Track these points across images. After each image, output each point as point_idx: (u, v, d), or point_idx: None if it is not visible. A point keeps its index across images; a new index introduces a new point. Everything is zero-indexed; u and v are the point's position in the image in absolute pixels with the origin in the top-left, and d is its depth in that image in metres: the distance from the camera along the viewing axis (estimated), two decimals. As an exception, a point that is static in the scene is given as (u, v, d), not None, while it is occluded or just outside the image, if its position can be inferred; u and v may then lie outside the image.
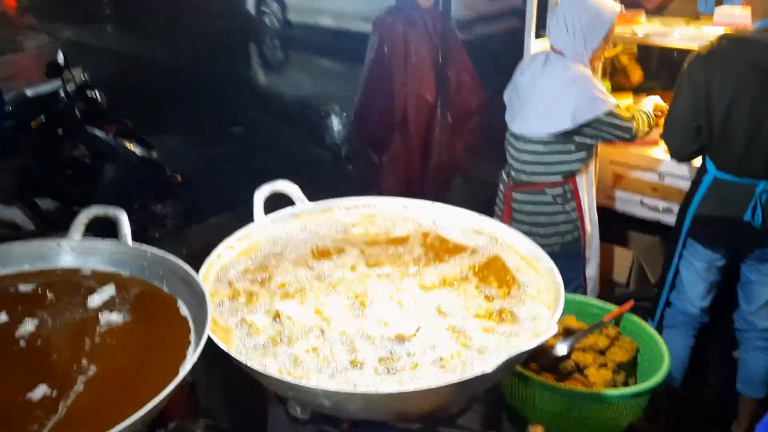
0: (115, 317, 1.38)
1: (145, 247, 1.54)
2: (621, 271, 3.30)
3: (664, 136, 2.70)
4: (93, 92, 4.57)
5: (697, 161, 2.68)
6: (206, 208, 5.38)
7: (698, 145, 2.55)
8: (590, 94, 2.63)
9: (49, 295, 1.45)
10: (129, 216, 1.59)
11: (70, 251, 1.56)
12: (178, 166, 5.81)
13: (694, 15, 3.40)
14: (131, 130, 4.61)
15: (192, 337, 1.34)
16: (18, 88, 5.06)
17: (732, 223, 2.49)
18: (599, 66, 2.89)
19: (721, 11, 3.06)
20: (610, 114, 2.66)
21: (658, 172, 3.03)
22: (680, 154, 2.67)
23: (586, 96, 2.63)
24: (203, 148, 7.11)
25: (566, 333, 2.16)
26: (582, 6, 2.59)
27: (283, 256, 1.67)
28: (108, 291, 1.46)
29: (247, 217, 1.78)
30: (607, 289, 3.29)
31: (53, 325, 1.37)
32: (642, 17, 3.40)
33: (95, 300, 1.43)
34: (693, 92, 2.50)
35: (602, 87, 2.71)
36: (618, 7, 2.61)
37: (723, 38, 2.49)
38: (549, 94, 2.65)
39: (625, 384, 2.05)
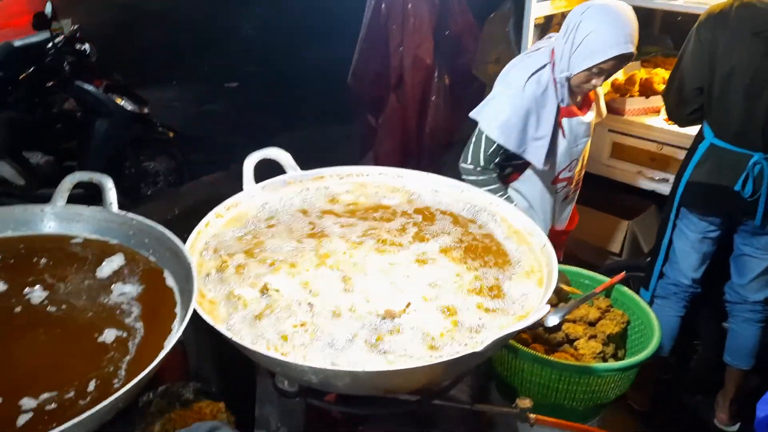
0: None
1: (131, 215, 1.51)
2: (615, 241, 3.29)
3: (665, 96, 2.65)
4: (83, 45, 4.45)
5: (695, 130, 2.64)
6: (199, 165, 5.33)
7: (696, 107, 2.51)
8: (493, 102, 2.37)
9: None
10: (120, 173, 1.56)
11: (54, 217, 1.53)
12: (170, 122, 5.73)
13: (700, -21, 3.30)
14: (122, 85, 4.51)
15: (178, 309, 1.33)
16: (5, 37, 4.93)
17: (724, 191, 2.47)
18: (577, 98, 2.42)
19: (728, -24, 2.97)
20: (480, 136, 2.37)
21: (657, 141, 2.99)
22: (677, 116, 2.63)
23: (490, 100, 2.39)
24: (197, 104, 7.01)
25: (559, 297, 2.16)
26: (592, 23, 2.19)
27: (273, 226, 1.64)
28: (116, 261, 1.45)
29: (241, 176, 1.74)
30: (601, 259, 3.29)
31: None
32: (647, -20, 3.30)
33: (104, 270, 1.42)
34: (698, 52, 2.44)
35: (525, 116, 2.32)
36: (627, 50, 2.17)
37: (735, 2, 2.40)
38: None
39: (615, 356, 2.06)
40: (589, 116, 2.45)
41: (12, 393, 1.11)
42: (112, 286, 1.36)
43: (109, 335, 1.25)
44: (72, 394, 1.12)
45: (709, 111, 2.49)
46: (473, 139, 2.40)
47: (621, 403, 2.71)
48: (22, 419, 1.06)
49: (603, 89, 2.71)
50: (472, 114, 2.40)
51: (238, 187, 1.73)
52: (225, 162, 5.26)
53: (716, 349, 2.85)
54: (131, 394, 1.09)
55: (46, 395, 1.11)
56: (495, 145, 2.34)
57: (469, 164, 2.39)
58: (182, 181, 4.72)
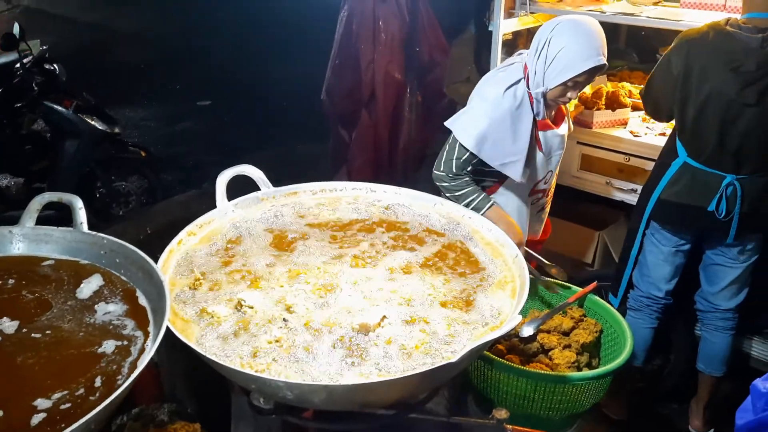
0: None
1: (102, 235, 1.49)
2: (587, 252, 3.33)
3: (645, 105, 2.72)
4: (52, 65, 4.41)
5: (664, 141, 2.69)
6: (172, 184, 5.29)
7: (670, 117, 2.58)
8: (470, 113, 2.38)
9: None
10: (91, 193, 1.54)
11: (23, 239, 1.51)
12: (143, 142, 5.68)
13: (662, -5, 3.40)
14: (93, 105, 4.47)
15: (151, 328, 1.31)
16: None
17: (698, 210, 2.50)
18: (552, 112, 2.44)
19: (688, -8, 3.06)
20: (454, 144, 2.38)
21: (625, 153, 3.04)
22: (658, 120, 2.72)
23: (466, 111, 2.41)
24: (169, 123, 6.96)
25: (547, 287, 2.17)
26: (562, 39, 2.22)
27: (246, 243, 1.64)
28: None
29: (213, 194, 1.73)
30: (574, 269, 3.32)
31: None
32: (611, -4, 3.39)
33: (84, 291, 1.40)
34: (671, 78, 2.47)
35: (497, 127, 2.34)
36: (599, 62, 2.20)
37: (711, 29, 2.40)
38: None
39: (589, 364, 2.08)
40: (563, 129, 2.49)
41: (25, 396, 1.13)
42: (95, 307, 1.35)
43: (108, 346, 1.24)
44: (82, 391, 1.13)
45: (683, 132, 2.51)
46: (446, 147, 2.43)
47: (597, 412, 2.73)
48: (37, 418, 1.08)
49: (570, 104, 2.75)
50: (448, 123, 2.43)
51: (210, 206, 1.72)
52: (197, 181, 5.25)
53: (689, 356, 2.89)
54: (104, 414, 1.07)
55: (57, 395, 1.12)
56: (468, 153, 2.36)
57: (442, 171, 2.41)
58: (155, 200, 4.67)
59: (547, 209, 2.68)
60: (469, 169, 2.40)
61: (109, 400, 1.06)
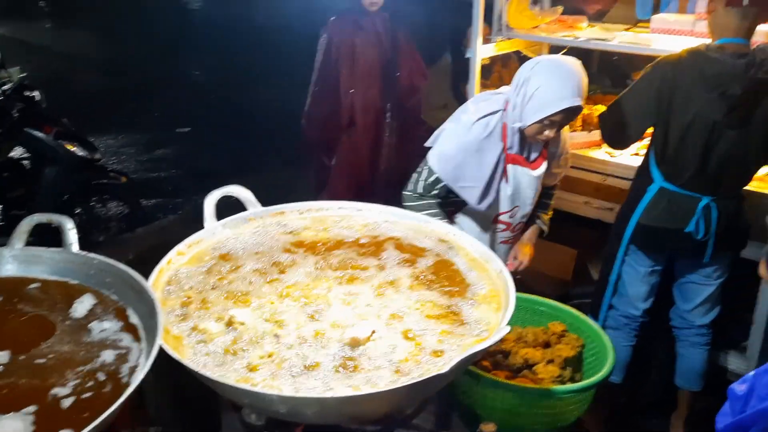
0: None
1: (92, 255, 1.50)
2: (565, 269, 3.40)
3: (604, 127, 2.72)
4: (31, 92, 4.41)
5: (639, 160, 2.75)
6: (151, 210, 5.28)
7: (634, 141, 2.63)
8: (447, 138, 2.44)
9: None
10: (71, 219, 1.55)
11: (13, 260, 1.51)
12: (122, 168, 5.67)
13: (632, 21, 3.53)
14: (72, 132, 4.47)
15: (143, 345, 1.32)
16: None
17: (675, 233, 2.56)
18: (531, 152, 2.46)
19: (657, 18, 3.18)
20: (425, 165, 2.47)
21: (601, 173, 3.13)
22: (617, 146, 2.76)
23: (440, 132, 2.48)
24: (149, 149, 6.96)
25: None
26: (541, 78, 2.27)
27: (235, 262, 1.66)
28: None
29: (194, 220, 1.75)
30: (552, 287, 3.38)
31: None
32: (584, 23, 3.51)
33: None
34: (648, 102, 2.50)
35: (472, 153, 2.41)
36: (574, 103, 2.25)
37: (691, 54, 2.44)
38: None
39: (572, 379, 2.12)
40: (539, 171, 2.50)
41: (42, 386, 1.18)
42: (89, 326, 1.36)
43: (108, 355, 1.27)
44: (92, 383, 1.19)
45: (663, 156, 2.54)
46: (418, 168, 2.52)
47: (578, 428, 2.76)
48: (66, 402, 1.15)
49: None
50: (428, 143, 2.51)
51: (190, 231, 1.73)
52: (177, 206, 5.24)
53: (668, 372, 2.95)
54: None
55: (74, 381, 1.19)
56: (435, 176, 2.43)
57: (409, 191, 2.50)
58: (135, 226, 4.66)
59: (513, 244, 2.71)
60: (436, 191, 2.46)
61: (105, 415, 1.07)
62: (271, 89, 7.66)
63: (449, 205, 2.58)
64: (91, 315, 1.40)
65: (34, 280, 1.50)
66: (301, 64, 4.34)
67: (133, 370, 1.23)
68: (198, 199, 1.77)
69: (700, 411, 2.89)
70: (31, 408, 1.13)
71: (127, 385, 1.18)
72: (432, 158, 2.46)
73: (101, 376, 1.21)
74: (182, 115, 7.76)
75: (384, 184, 4.25)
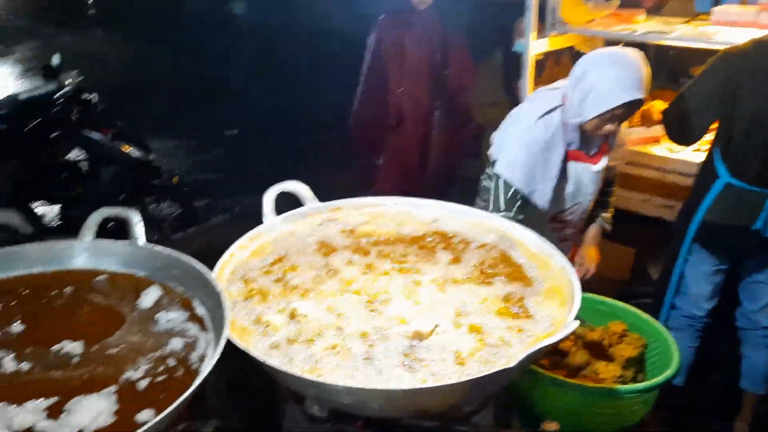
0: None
1: (159, 247, 1.53)
2: (623, 269, 3.31)
3: (669, 123, 2.64)
4: (89, 95, 4.54)
5: (700, 156, 2.68)
6: (202, 210, 5.37)
7: (701, 137, 2.54)
8: (511, 143, 2.37)
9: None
10: (138, 213, 1.58)
11: (84, 252, 1.55)
12: (174, 169, 5.79)
13: (691, 14, 3.43)
14: (128, 133, 4.58)
15: (210, 336, 1.34)
16: (9, 91, 5.03)
17: (741, 230, 2.47)
18: (591, 147, 2.39)
19: (718, 10, 3.08)
20: (498, 180, 2.38)
21: (662, 169, 3.04)
22: (683, 143, 2.67)
23: (507, 142, 2.39)
24: (198, 152, 7.09)
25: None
26: (601, 71, 2.20)
27: (296, 256, 1.67)
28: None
29: (244, 219, 1.77)
30: (610, 287, 3.30)
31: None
32: (641, 16, 3.42)
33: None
34: (717, 93, 2.42)
35: (538, 159, 2.33)
36: (637, 96, 2.17)
37: (757, 46, 2.36)
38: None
39: (634, 379, 2.06)
40: (600, 165, 2.43)
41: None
42: (155, 316, 1.38)
43: (176, 343, 1.30)
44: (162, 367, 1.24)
45: (727, 152, 2.47)
46: (492, 186, 2.40)
47: (639, 430, 2.69)
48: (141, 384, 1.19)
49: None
50: (492, 153, 2.44)
51: (241, 231, 1.74)
52: (227, 207, 5.32)
53: (732, 374, 2.85)
54: (172, 416, 1.10)
55: (146, 366, 1.23)
56: (512, 188, 2.35)
57: (491, 212, 2.32)
58: (187, 226, 4.75)
59: (570, 242, 2.64)
60: (518, 201, 2.37)
61: (179, 402, 1.08)
62: (317, 91, 7.72)
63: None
64: (158, 306, 1.43)
65: (102, 272, 1.54)
66: (346, 65, 4.36)
67: (202, 359, 1.24)
68: (246, 199, 1.79)
69: (765, 415, 2.79)
70: (112, 388, 1.17)
71: (197, 372, 1.20)
72: (502, 168, 2.36)
73: (171, 362, 1.24)
74: (230, 119, 7.89)
75: (432, 183, 4.23)
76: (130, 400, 1.15)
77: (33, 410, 1.12)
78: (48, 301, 1.43)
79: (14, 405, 1.12)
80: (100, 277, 1.51)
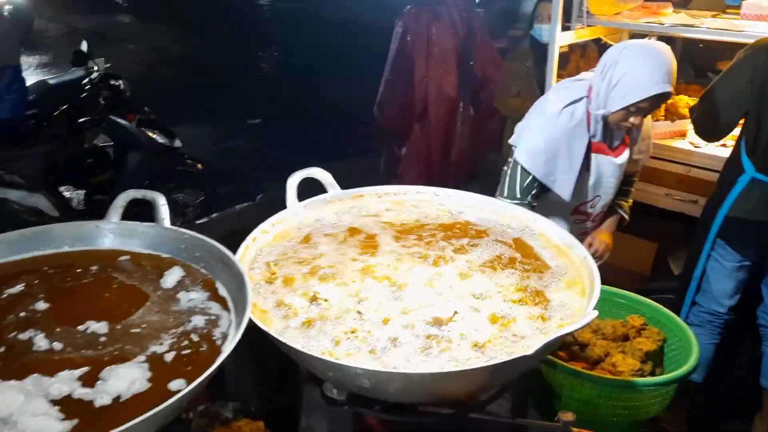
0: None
1: (183, 230, 1.56)
2: (644, 263, 3.29)
3: (697, 119, 2.62)
4: (117, 81, 4.60)
5: (725, 152, 2.65)
6: (227, 197, 5.42)
7: (730, 133, 2.51)
8: (533, 132, 2.36)
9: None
10: (163, 196, 1.61)
11: (109, 233, 1.59)
12: (198, 156, 5.85)
13: (720, 7, 3.38)
14: (154, 120, 4.65)
15: (232, 317, 1.36)
16: (39, 77, 5.12)
17: (766, 226, 2.44)
18: (614, 139, 2.39)
19: (749, 3, 3.04)
20: (516, 166, 2.37)
21: (685, 164, 3.01)
22: (712, 139, 2.64)
23: (524, 128, 2.40)
24: (222, 140, 7.16)
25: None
26: (630, 63, 2.18)
27: (318, 241, 1.69)
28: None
29: (267, 206, 1.79)
30: (630, 281, 3.28)
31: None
32: (669, 8, 3.38)
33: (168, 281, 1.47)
34: (746, 87, 2.39)
35: (562, 147, 2.33)
36: (664, 90, 2.16)
37: None
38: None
39: (652, 373, 2.05)
40: (622, 158, 2.42)
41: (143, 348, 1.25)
42: (177, 295, 1.41)
43: (198, 320, 1.32)
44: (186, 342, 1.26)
45: (754, 147, 2.44)
46: (508, 171, 2.39)
47: (657, 426, 2.68)
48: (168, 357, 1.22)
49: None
50: (512, 141, 2.44)
51: (265, 217, 1.76)
52: (251, 194, 5.36)
53: (753, 372, 2.82)
54: (188, 398, 1.12)
55: (170, 341, 1.26)
56: (530, 176, 2.35)
57: (506, 197, 2.37)
58: (210, 212, 4.80)
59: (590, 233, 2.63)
60: (534, 190, 2.36)
61: (199, 381, 1.10)
62: (340, 81, 7.74)
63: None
64: (180, 285, 1.46)
65: (127, 253, 1.57)
66: (369, 56, 4.37)
67: (225, 337, 1.27)
68: (270, 186, 1.81)
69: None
70: (141, 357, 1.21)
71: (220, 349, 1.22)
72: (521, 155, 2.35)
73: (195, 337, 1.27)
74: (253, 107, 7.95)
75: (455, 173, 4.23)
76: (160, 370, 1.19)
77: (68, 379, 1.15)
78: (72, 280, 1.46)
79: (47, 376, 1.15)
80: (123, 257, 1.54)
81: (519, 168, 2.37)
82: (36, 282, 1.43)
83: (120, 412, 1.09)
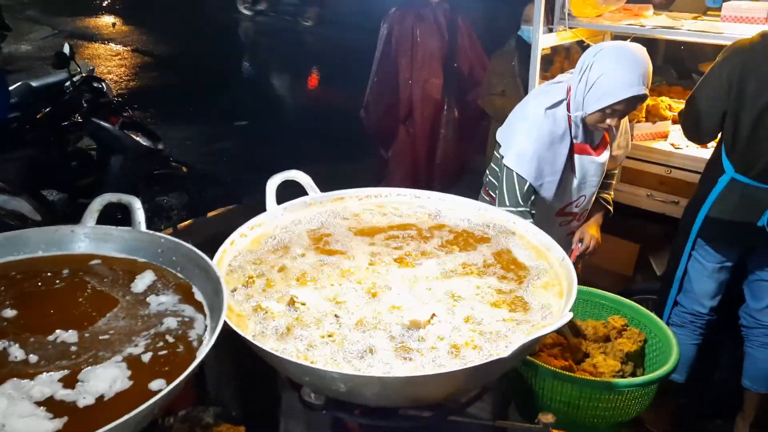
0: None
1: (159, 234, 1.55)
2: (626, 264, 3.31)
3: (684, 123, 2.64)
4: (100, 84, 4.57)
5: (706, 153, 2.67)
6: (212, 200, 5.39)
7: (714, 135, 2.53)
8: (519, 137, 2.37)
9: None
10: (138, 200, 1.59)
11: (85, 238, 1.57)
12: (183, 159, 5.82)
13: (701, 10, 3.40)
14: (138, 122, 4.62)
15: (207, 321, 1.35)
16: (22, 79, 5.07)
17: (746, 227, 2.46)
18: (594, 138, 2.41)
19: (729, 6, 3.06)
20: (511, 174, 2.38)
21: (666, 165, 3.03)
22: (699, 141, 2.66)
23: (515, 136, 2.39)
24: (208, 142, 7.13)
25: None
26: (604, 65, 2.20)
27: (297, 244, 1.68)
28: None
29: (252, 210, 1.77)
30: (613, 282, 3.29)
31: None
32: (649, 11, 3.40)
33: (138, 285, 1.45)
34: (724, 88, 2.41)
35: (546, 149, 2.34)
36: (639, 92, 2.18)
37: (764, 38, 2.36)
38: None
39: (633, 374, 2.06)
40: (603, 157, 2.44)
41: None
42: (147, 299, 1.40)
43: (171, 322, 1.31)
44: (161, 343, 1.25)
45: (734, 146, 2.46)
46: (503, 181, 2.39)
47: (639, 426, 2.69)
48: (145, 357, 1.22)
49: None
50: (501, 151, 2.44)
51: (247, 220, 1.75)
52: (237, 196, 5.35)
53: (734, 372, 2.84)
54: (168, 398, 1.11)
55: (145, 342, 1.26)
56: (527, 182, 2.34)
57: (509, 206, 2.35)
58: (196, 215, 4.78)
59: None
60: (533, 198, 2.37)
61: (174, 384, 1.09)
62: (327, 83, 7.74)
63: None
64: (150, 290, 1.44)
65: (100, 257, 1.55)
66: (357, 58, 4.37)
67: (200, 340, 1.26)
68: (255, 189, 1.79)
69: (766, 413, 2.78)
70: (119, 357, 1.20)
71: (197, 349, 1.21)
72: (513, 162, 2.35)
73: (170, 338, 1.26)
74: (240, 110, 7.92)
75: (441, 175, 4.23)
76: (139, 369, 1.18)
77: (48, 382, 1.15)
78: (41, 286, 1.44)
79: (26, 379, 1.15)
80: (95, 261, 1.52)
81: (514, 175, 2.36)
82: (2, 288, 1.41)
83: (105, 409, 1.10)
